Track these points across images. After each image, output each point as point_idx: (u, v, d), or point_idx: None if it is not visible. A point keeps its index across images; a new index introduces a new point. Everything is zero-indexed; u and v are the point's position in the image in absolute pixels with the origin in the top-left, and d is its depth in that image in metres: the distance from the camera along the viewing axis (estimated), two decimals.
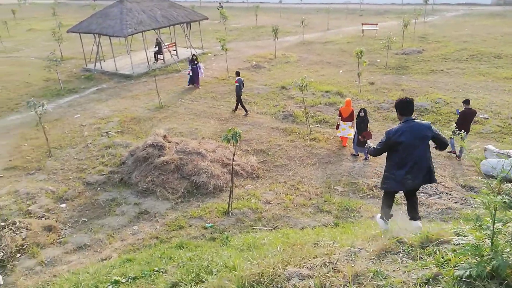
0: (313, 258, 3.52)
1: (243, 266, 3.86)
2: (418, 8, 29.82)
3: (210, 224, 8.68)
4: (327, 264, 3.27)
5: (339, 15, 35.96)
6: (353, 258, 3.28)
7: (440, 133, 4.52)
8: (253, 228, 8.37)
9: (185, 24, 23.64)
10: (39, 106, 11.80)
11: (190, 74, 17.90)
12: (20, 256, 7.85)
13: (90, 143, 13.08)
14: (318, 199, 9.64)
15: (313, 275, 3.19)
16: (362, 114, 11.16)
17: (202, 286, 3.98)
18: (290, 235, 5.86)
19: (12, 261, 7.64)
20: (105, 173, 11.16)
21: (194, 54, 18.43)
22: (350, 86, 17.54)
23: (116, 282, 5.26)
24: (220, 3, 40.87)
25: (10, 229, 8.32)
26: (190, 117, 15.07)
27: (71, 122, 14.89)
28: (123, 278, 5.40)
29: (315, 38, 27.46)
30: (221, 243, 7.24)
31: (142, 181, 10.46)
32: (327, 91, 16.82)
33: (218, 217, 8.99)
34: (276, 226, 8.42)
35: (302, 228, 8.09)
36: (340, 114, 12.07)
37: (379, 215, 4.78)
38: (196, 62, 17.72)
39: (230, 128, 8.50)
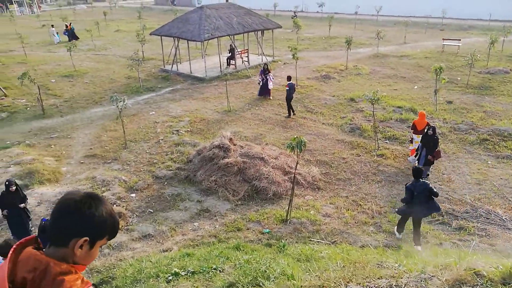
0: (378, 279, 3.36)
1: (301, 277, 3.82)
2: (508, 25, 27.41)
3: (267, 230, 8.71)
4: (394, 287, 3.10)
5: (418, 29, 34.33)
6: (424, 285, 3.08)
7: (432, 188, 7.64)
8: (310, 240, 8.25)
9: (258, 32, 24.15)
10: (121, 101, 12.77)
11: (261, 83, 17.99)
12: None
13: (162, 139, 13.84)
14: (382, 218, 9.23)
15: None
16: (430, 132, 10.46)
17: None
18: (350, 252, 5.67)
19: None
20: (173, 169, 11.73)
21: (265, 63, 18.49)
22: (425, 103, 16.61)
23: (176, 274, 5.48)
24: (294, 12, 41.13)
25: None
26: (256, 123, 15.31)
27: (146, 118, 15.89)
28: (183, 271, 5.61)
29: (390, 51, 26.48)
30: (278, 250, 7.23)
31: (206, 180, 10.82)
32: (399, 107, 16.10)
33: (276, 224, 8.99)
34: (335, 241, 8.21)
35: (362, 246, 7.79)
36: (413, 127, 11.48)
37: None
38: (267, 72, 17.80)
39: (295, 137, 8.48)
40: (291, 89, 15.39)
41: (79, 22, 35.39)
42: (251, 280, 4.44)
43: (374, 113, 13.41)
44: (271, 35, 26.19)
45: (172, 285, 5.07)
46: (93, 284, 1.54)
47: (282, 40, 31.23)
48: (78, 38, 32.32)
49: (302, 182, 10.73)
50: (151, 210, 9.89)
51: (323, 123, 15.17)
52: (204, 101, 17.91)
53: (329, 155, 12.46)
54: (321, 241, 8.21)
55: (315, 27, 37.84)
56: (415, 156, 10.85)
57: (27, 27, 39.24)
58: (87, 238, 1.53)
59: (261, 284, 4.20)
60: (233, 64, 22.86)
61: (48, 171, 11.32)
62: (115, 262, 7.58)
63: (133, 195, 10.55)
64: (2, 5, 55.92)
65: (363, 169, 11.61)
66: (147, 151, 13.00)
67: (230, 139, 11.83)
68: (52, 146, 13.44)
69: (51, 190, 10.39)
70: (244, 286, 4.30)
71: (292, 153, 9.08)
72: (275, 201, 10.11)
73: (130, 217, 9.57)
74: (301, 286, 3.36)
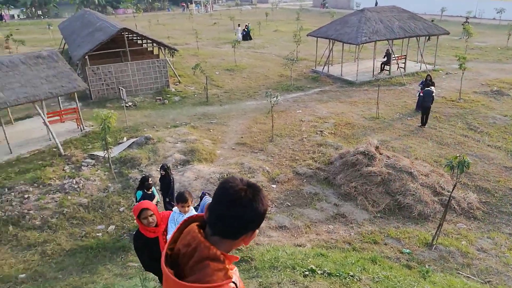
0: None
1: None
2: None
3: (408, 250, 8.08)
4: None
5: None
6: None
7: None
8: (458, 273, 7.32)
9: (421, 38, 22.38)
10: (274, 97, 13.54)
11: (421, 94, 16.44)
12: None
13: (305, 137, 14.16)
14: None
15: None
16: None
17: None
18: None
19: None
20: (313, 168, 11.88)
21: (429, 75, 16.70)
22: None
23: (313, 271, 5.55)
24: (466, 18, 36.65)
25: None
26: (406, 134, 14.29)
27: (293, 116, 16.47)
28: (319, 269, 5.66)
29: None
30: (420, 275, 6.64)
31: (345, 185, 10.64)
32: None
33: (418, 246, 8.27)
34: (490, 281, 7.10)
35: None
36: None
37: None
38: (430, 84, 16.11)
39: (458, 155, 7.59)
40: (425, 96, 14.45)
41: (244, 21, 38.64)
42: None
43: None
44: (434, 41, 23.96)
45: (309, 281, 5.16)
46: (233, 282, 1.43)
47: (447, 48, 28.26)
48: (252, 39, 34.58)
49: (455, 207, 9.59)
50: (289, 204, 10.24)
51: (488, 145, 13.20)
52: (351, 105, 17.58)
53: (492, 182, 10.80)
54: (472, 277, 7.21)
55: (489, 35, 33.06)
56: None
57: (202, 24, 44.84)
58: (256, 230, 1.50)
59: None
60: (387, 70, 21.78)
61: (205, 152, 12.80)
62: (254, 245, 8.12)
63: (274, 186, 11.09)
64: (184, 4, 65.26)
65: None
66: (291, 147, 13.47)
67: (377, 148, 11.34)
68: (211, 130, 15.13)
69: (206, 168, 11.72)
70: None
71: (449, 173, 8.17)
72: (420, 222, 9.30)
73: (269, 206, 10.09)
74: None
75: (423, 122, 14.76)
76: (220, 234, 1.46)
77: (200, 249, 1.39)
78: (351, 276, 5.36)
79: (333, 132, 14.71)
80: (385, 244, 8.40)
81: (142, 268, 5.19)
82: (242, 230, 1.47)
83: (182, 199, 4.81)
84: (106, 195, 10.61)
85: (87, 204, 10.21)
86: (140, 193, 8.03)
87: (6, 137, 12.67)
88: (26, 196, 10.27)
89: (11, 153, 12.64)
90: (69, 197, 10.33)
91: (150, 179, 8.40)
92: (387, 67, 21.77)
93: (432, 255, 7.89)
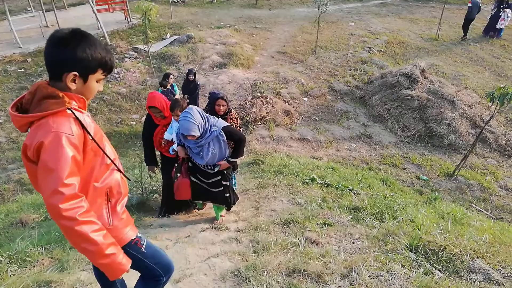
0: None
1: (429, 229, 3.47)
2: None
3: (425, 177, 7.97)
4: None
5: None
6: None
7: None
8: (471, 205, 7.21)
9: None
10: (323, 4, 12.59)
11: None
12: (260, 124, 9.49)
13: (351, 53, 13.40)
14: None
15: None
16: None
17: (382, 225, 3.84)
18: (509, 234, 4.73)
19: (253, 125, 9.36)
20: (350, 86, 11.46)
21: None
22: None
23: (313, 180, 5.72)
24: None
25: (262, 100, 10.00)
26: (463, 61, 13.03)
27: (343, 28, 15.42)
28: (320, 179, 5.82)
29: None
30: (426, 200, 6.63)
31: (379, 106, 10.26)
32: None
33: (437, 175, 8.10)
34: (501, 218, 6.95)
35: None
36: None
37: None
38: (505, 4, 14.07)
39: (502, 86, 6.91)
40: (473, 6, 13.36)
41: None
42: (376, 212, 4.30)
43: None
44: None
45: (304, 187, 5.36)
46: (74, 116, 1.57)
47: None
48: None
49: (491, 142, 9.05)
50: (316, 118, 10.18)
51: None
52: (411, 23, 16.02)
53: None
54: (484, 211, 7.08)
55: None
56: None
57: None
58: (75, 73, 1.58)
59: (383, 219, 4.03)
60: None
61: (244, 57, 12.64)
62: (271, 151, 8.40)
63: (306, 99, 10.96)
64: None
65: None
66: (332, 61, 12.90)
67: (423, 71, 10.55)
68: (254, 35, 14.70)
69: (241, 74, 11.71)
70: (366, 214, 4.21)
71: (490, 105, 7.55)
72: (448, 152, 8.96)
73: (296, 118, 10.13)
74: (420, 237, 3.05)
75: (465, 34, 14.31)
76: (50, 77, 1.62)
77: (39, 90, 1.56)
78: (349, 189, 5.48)
79: (382, 50, 13.74)
80: (404, 169, 8.32)
81: None
82: (58, 70, 1.58)
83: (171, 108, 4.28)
84: (143, 88, 11.12)
85: (125, 94, 10.82)
86: (160, 90, 8.27)
87: (57, 22, 13.22)
88: None
89: None
90: (110, 86, 10.96)
91: (171, 76, 8.53)
92: None
93: (449, 185, 7.74)
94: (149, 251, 1.86)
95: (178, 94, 8.75)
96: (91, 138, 1.60)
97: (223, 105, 4.28)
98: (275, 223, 3.71)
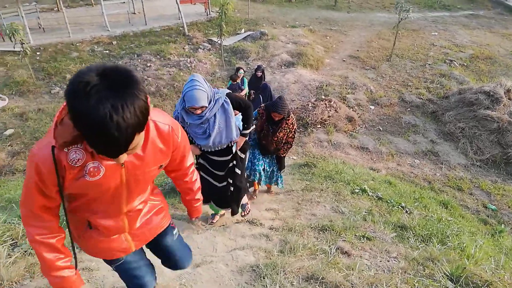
0: None
1: (486, 267, 3.14)
2: None
3: (493, 207, 7.24)
4: None
5: None
6: None
7: None
8: None
9: None
10: (404, 10, 11.96)
11: None
12: (320, 127, 9.31)
13: (429, 64, 12.59)
14: None
15: None
16: None
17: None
18: None
19: (312, 128, 9.21)
20: (423, 99, 10.77)
21: None
22: None
23: (363, 191, 5.48)
24: None
25: (325, 103, 9.79)
26: None
27: (424, 37, 14.53)
28: (371, 192, 5.55)
29: None
30: (491, 232, 6.02)
31: (452, 123, 9.52)
32: None
33: (509, 206, 7.31)
34: None
35: None
36: None
37: None
38: None
39: None
40: None
41: None
42: (425, 234, 3.99)
43: None
44: None
45: (353, 197, 5.15)
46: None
47: None
48: None
49: None
50: (380, 128, 9.73)
51: None
52: (503, 38, 14.60)
53: None
54: None
55: None
56: None
57: None
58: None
59: (430, 245, 3.72)
60: None
61: (313, 58, 12.48)
62: (326, 156, 8.21)
63: (372, 107, 10.52)
64: None
65: None
66: (407, 71, 12.22)
67: (508, 91, 9.58)
68: (328, 37, 14.44)
69: (308, 74, 11.57)
70: (412, 235, 3.92)
71: None
72: None
73: (359, 126, 9.77)
74: (464, 268, 2.76)
75: None
76: None
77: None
78: (402, 206, 5.15)
79: (465, 64, 12.71)
80: (470, 194, 7.63)
81: None
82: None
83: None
84: (212, 79, 11.49)
85: None
86: (230, 82, 8.43)
87: (143, 10, 14.17)
88: (148, 64, 11.77)
89: (146, 25, 14.21)
90: (181, 73, 11.50)
91: (241, 71, 8.59)
92: None
93: None
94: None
95: (246, 89, 8.86)
96: None
97: (277, 117, 4.07)
98: (311, 228, 3.62)
